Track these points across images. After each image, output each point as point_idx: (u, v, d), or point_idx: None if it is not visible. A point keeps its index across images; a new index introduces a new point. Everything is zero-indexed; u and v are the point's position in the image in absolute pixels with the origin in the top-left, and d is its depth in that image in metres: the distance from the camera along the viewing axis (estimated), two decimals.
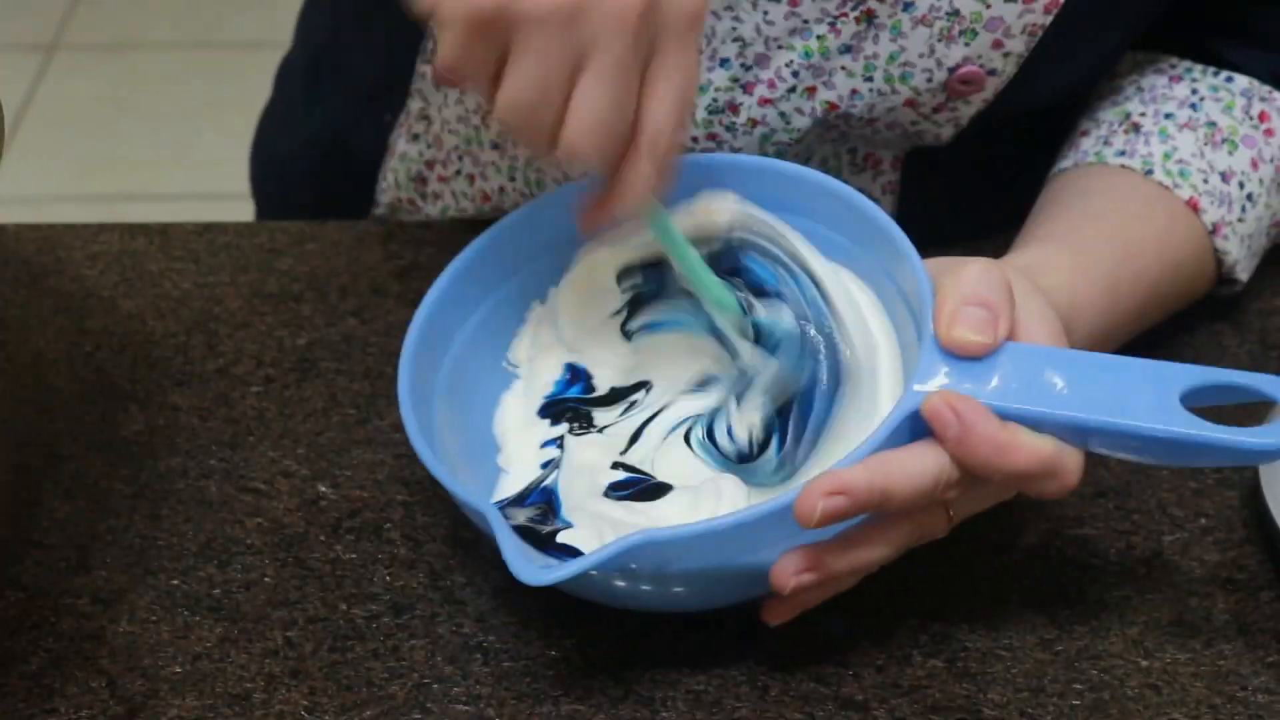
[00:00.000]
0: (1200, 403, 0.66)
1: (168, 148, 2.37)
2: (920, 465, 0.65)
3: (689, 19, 0.67)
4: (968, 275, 0.68)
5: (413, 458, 0.79)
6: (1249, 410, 0.70)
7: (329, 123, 1.01)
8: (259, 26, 2.50)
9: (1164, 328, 0.83)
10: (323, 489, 0.79)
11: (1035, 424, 0.66)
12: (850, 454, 0.65)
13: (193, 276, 0.91)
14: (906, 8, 0.81)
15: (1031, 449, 0.66)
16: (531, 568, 0.64)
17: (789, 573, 0.66)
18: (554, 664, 0.71)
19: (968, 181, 0.92)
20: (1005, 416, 0.66)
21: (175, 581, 0.75)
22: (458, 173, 0.94)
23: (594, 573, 0.67)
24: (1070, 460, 0.67)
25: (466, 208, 0.95)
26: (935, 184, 0.91)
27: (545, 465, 0.75)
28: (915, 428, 0.66)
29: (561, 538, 0.70)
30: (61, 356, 0.87)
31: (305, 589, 0.75)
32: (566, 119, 0.66)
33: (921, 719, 0.69)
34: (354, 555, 0.76)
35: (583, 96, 0.66)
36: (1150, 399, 0.66)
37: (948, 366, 0.67)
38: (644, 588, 0.70)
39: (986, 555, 0.76)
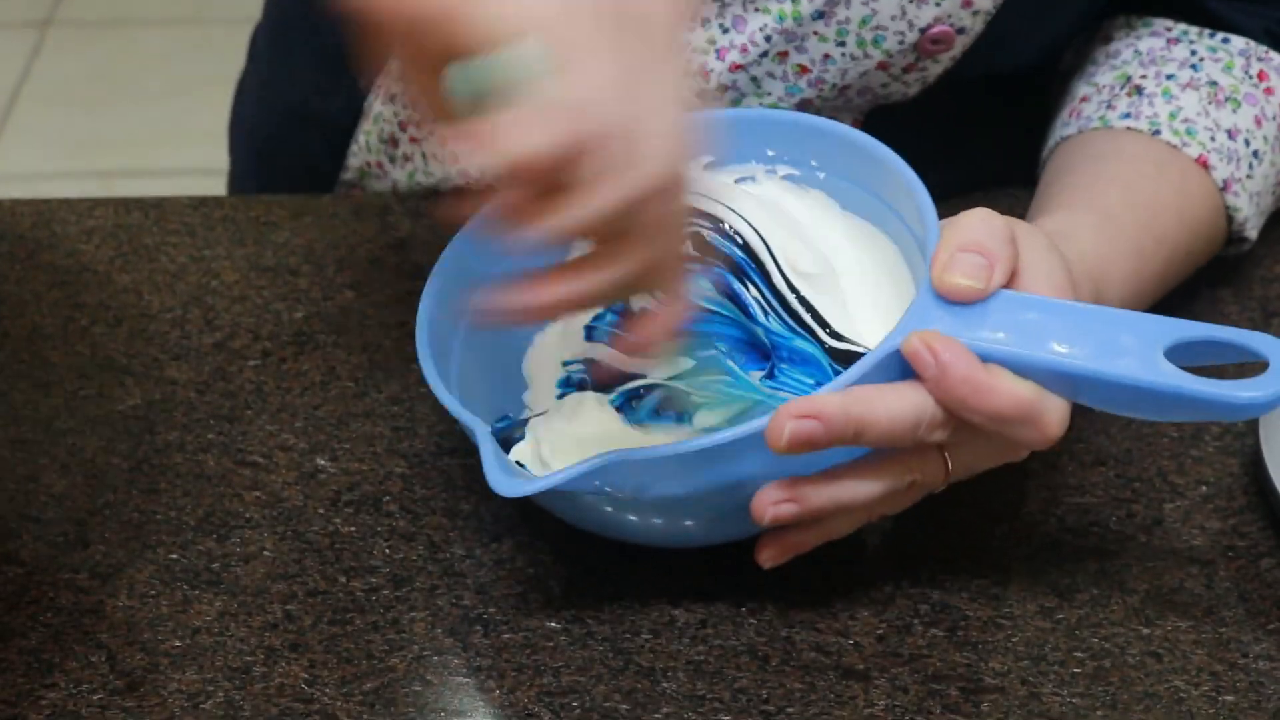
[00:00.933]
0: (1192, 360, 0.66)
1: (162, 123, 2.36)
2: (900, 402, 0.65)
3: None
4: (967, 222, 0.68)
5: (411, 430, 0.80)
6: (1250, 371, 0.69)
7: (300, 91, 1.00)
8: (252, 2, 2.49)
9: (1166, 294, 0.83)
10: (321, 462, 0.79)
11: (1019, 369, 0.66)
12: (829, 386, 0.66)
13: (189, 250, 0.91)
14: None
15: (1010, 392, 0.65)
16: (506, 480, 0.66)
17: (768, 502, 0.66)
18: (554, 635, 0.71)
19: (929, 140, 0.92)
20: (989, 360, 0.66)
21: (174, 556, 0.75)
22: (431, 133, 0.93)
23: (605, 507, 0.69)
24: (1052, 409, 0.66)
25: (434, 172, 0.94)
26: (895, 144, 0.90)
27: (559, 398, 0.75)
28: (905, 371, 0.66)
29: (513, 453, 0.71)
30: (57, 331, 0.86)
31: (304, 562, 0.74)
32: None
33: (922, 688, 0.69)
34: (353, 528, 0.76)
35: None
36: (1135, 350, 0.66)
37: (940, 310, 0.67)
38: (633, 517, 0.70)
39: (987, 524, 0.75)
